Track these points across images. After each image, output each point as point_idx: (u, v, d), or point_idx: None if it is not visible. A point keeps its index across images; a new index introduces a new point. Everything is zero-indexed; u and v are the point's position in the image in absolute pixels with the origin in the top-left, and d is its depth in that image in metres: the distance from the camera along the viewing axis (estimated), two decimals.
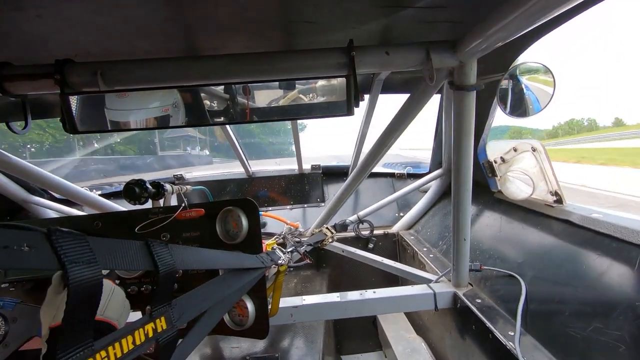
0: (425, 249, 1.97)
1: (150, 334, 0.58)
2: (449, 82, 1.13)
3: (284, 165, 2.78)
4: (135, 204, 1.15)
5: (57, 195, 2.42)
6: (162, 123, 1.11)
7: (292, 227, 2.12)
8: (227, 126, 2.15)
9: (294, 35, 1.02)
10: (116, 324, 0.75)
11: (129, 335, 0.53)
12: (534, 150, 1.42)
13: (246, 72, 1.04)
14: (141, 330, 0.56)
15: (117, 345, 0.50)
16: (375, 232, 2.36)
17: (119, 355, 0.50)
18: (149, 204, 1.18)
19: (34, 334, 0.85)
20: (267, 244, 1.51)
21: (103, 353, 0.48)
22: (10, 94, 1.02)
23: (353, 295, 1.46)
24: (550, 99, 1.15)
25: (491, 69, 1.27)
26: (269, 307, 1.20)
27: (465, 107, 1.11)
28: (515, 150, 1.52)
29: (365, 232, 2.35)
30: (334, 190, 2.70)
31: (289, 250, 1.41)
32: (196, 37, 1.00)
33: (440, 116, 2.10)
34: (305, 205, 2.68)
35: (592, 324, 0.94)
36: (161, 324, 0.61)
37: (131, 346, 0.53)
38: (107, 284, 0.82)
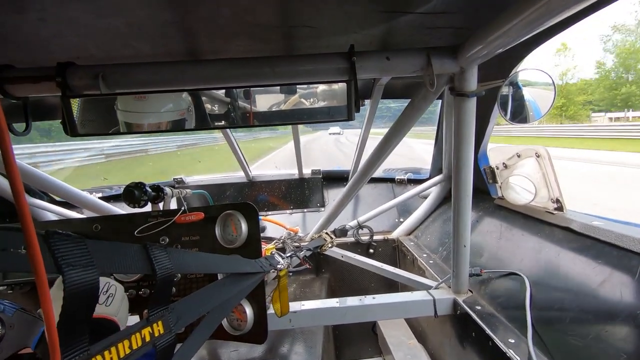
0: (425, 255, 1.97)
1: (148, 338, 0.57)
2: (450, 88, 1.13)
3: (284, 170, 2.78)
4: (134, 207, 1.14)
5: (56, 198, 2.42)
6: (174, 126, 1.12)
7: (291, 232, 2.12)
8: (228, 130, 2.15)
9: (295, 40, 1.03)
10: (116, 319, 0.75)
11: (125, 340, 0.53)
12: (538, 156, 1.41)
13: (247, 77, 1.05)
14: (138, 334, 0.56)
15: (113, 349, 0.50)
16: (375, 237, 2.35)
17: (115, 359, 0.49)
18: (148, 208, 1.17)
19: (27, 344, 0.84)
20: (267, 248, 1.50)
21: (99, 357, 0.47)
22: (12, 97, 1.02)
23: (352, 300, 1.45)
24: (551, 105, 1.16)
25: (492, 75, 1.27)
26: (279, 307, 1.21)
27: (466, 113, 1.11)
28: (518, 156, 1.52)
29: (365, 238, 2.34)
30: (334, 195, 2.70)
31: (288, 255, 1.40)
32: (197, 41, 1.01)
33: (441, 122, 2.11)
34: (305, 210, 2.67)
35: (593, 332, 0.93)
36: (158, 328, 0.60)
37: (128, 350, 0.52)
38: (107, 280, 0.82)
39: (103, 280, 0.82)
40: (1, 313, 0.85)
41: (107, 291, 0.81)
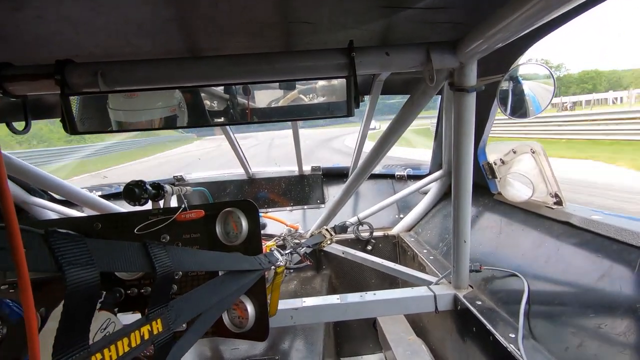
0: (425, 251, 1.97)
1: (146, 336, 0.58)
2: (449, 83, 1.13)
3: (284, 167, 2.77)
4: (135, 205, 1.14)
5: (56, 196, 2.42)
6: (168, 123, 1.12)
7: (291, 229, 2.12)
8: (227, 127, 2.15)
9: (294, 36, 1.02)
10: None
11: (124, 338, 0.53)
12: (533, 152, 1.41)
13: (246, 73, 1.04)
14: (137, 332, 0.56)
15: (112, 347, 0.50)
16: (375, 233, 2.36)
17: (114, 357, 0.50)
18: (148, 205, 1.17)
19: (20, 356, 0.84)
20: (267, 245, 1.51)
21: (99, 355, 0.47)
22: (11, 95, 1.02)
23: (353, 297, 1.45)
24: (551, 99, 1.15)
25: (491, 70, 1.27)
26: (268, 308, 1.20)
27: (466, 109, 1.11)
28: (514, 152, 1.52)
29: (365, 234, 2.34)
30: (334, 192, 2.70)
31: (287, 251, 1.40)
32: (197, 38, 1.00)
33: (440, 117, 2.10)
34: (306, 207, 2.67)
35: (593, 326, 0.93)
36: (157, 326, 0.61)
37: (127, 348, 0.53)
38: (109, 316, 0.82)
39: (104, 315, 0.82)
40: (5, 314, 0.85)
41: (105, 328, 0.81)
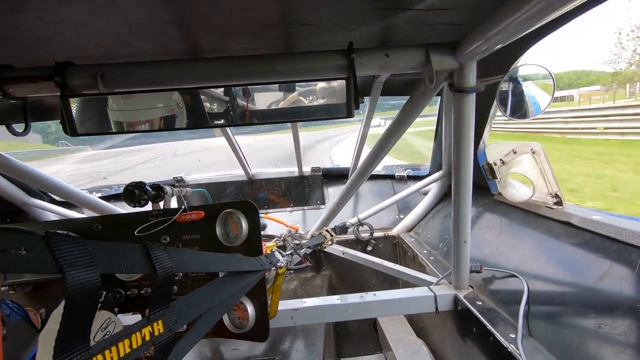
0: (425, 251, 1.97)
1: (147, 337, 0.58)
2: (449, 84, 1.13)
3: (284, 168, 2.77)
4: (135, 207, 1.14)
5: (56, 198, 2.42)
6: (167, 123, 1.12)
7: (292, 230, 2.12)
8: (227, 128, 2.15)
9: (294, 38, 1.02)
10: None
11: (125, 339, 0.53)
12: (533, 152, 1.41)
13: (246, 75, 1.04)
14: (138, 333, 0.56)
15: (113, 348, 0.50)
16: (376, 234, 2.36)
17: (115, 358, 0.50)
18: (148, 207, 1.18)
19: (20, 356, 0.84)
20: (267, 246, 1.51)
21: (100, 357, 0.47)
22: (11, 97, 1.02)
23: (353, 297, 1.45)
24: (550, 100, 1.15)
25: (491, 71, 1.27)
26: (268, 309, 1.20)
27: (465, 109, 1.11)
28: (514, 152, 1.52)
29: (366, 235, 2.34)
30: (334, 193, 2.70)
31: (288, 252, 1.40)
32: (196, 39, 1.00)
33: (440, 118, 2.10)
34: (306, 208, 2.67)
35: (594, 326, 0.93)
36: (158, 327, 0.61)
37: (128, 349, 0.53)
38: (109, 315, 0.82)
39: (105, 315, 0.82)
40: (5, 316, 0.85)
41: (105, 327, 0.81)
